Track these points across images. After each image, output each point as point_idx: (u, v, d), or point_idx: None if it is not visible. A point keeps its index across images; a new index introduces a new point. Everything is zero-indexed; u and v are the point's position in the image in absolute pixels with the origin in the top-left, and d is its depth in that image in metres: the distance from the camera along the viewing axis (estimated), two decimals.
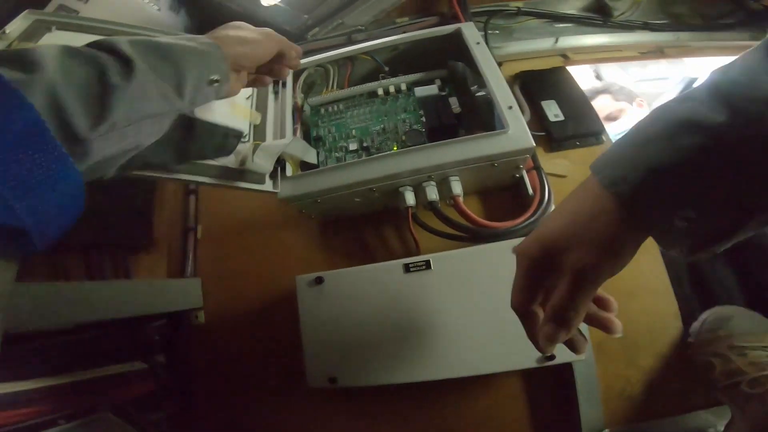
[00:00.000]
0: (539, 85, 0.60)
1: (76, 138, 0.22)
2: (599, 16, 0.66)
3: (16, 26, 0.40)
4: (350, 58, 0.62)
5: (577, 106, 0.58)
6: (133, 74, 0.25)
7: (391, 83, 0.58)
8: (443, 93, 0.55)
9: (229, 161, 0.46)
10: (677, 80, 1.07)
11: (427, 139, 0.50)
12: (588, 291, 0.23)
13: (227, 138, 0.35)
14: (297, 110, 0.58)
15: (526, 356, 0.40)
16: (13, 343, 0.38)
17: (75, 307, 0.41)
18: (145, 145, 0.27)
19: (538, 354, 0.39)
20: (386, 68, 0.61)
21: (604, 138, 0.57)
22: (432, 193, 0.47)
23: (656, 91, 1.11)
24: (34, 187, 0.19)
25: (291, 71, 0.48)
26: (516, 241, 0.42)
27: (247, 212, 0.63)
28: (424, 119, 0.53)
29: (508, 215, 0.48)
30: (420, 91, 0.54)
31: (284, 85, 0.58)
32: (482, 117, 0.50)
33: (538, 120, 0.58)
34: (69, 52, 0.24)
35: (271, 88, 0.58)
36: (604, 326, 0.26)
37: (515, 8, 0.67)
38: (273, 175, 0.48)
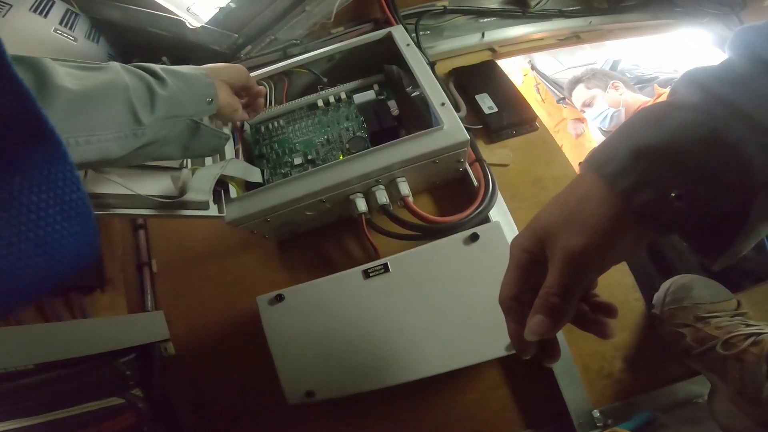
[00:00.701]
0: (471, 79, 0.63)
1: (139, 122, 0.32)
2: (518, 7, 0.70)
3: None
4: (286, 73, 0.61)
5: (509, 96, 0.61)
6: (167, 87, 0.35)
7: (330, 93, 0.58)
8: (381, 97, 0.56)
9: (169, 190, 0.44)
10: (602, 63, 1.16)
11: (371, 144, 0.51)
12: (577, 277, 0.22)
13: (220, 140, 0.42)
14: (237, 130, 0.57)
15: (494, 346, 0.41)
16: None
17: (31, 348, 0.40)
18: (171, 138, 0.37)
19: (506, 341, 0.41)
20: (325, 79, 0.61)
21: (537, 125, 0.61)
22: (382, 196, 0.48)
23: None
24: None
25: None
26: (467, 233, 0.44)
27: (200, 241, 0.61)
28: (365, 125, 0.53)
29: (458, 208, 0.50)
30: (359, 98, 0.55)
31: None
32: (420, 116, 0.51)
33: (474, 113, 0.60)
34: (125, 68, 0.33)
35: None
36: (601, 331, 0.25)
37: (441, 7, 0.70)
38: (217, 200, 0.47)
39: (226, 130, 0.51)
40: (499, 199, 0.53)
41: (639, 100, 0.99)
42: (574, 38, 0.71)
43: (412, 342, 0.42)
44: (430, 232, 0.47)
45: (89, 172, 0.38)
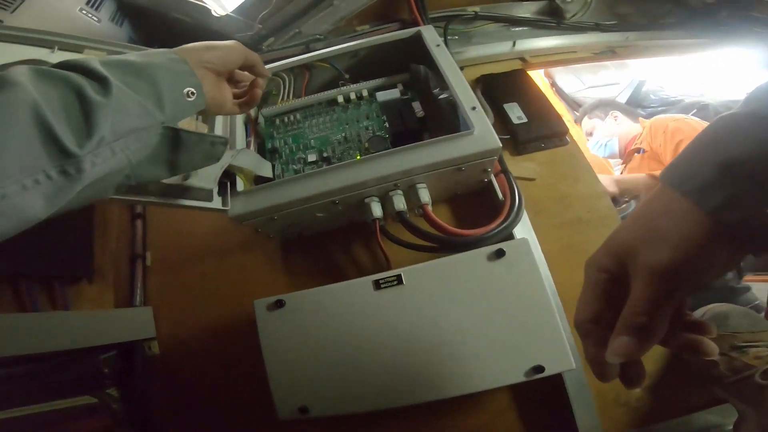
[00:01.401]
0: (500, 88, 0.60)
1: (67, 153, 0.22)
2: (552, 18, 0.68)
3: None
4: (307, 66, 0.59)
5: (540, 107, 0.57)
6: (110, 91, 0.25)
7: (351, 90, 0.55)
8: (406, 97, 0.53)
9: (172, 176, 0.41)
10: (626, 84, 1.14)
11: (391, 145, 0.48)
12: (665, 294, 0.20)
13: (214, 145, 0.34)
14: (250, 122, 0.54)
15: (513, 370, 0.37)
16: None
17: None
18: (135, 162, 0.27)
19: (526, 367, 0.37)
20: (346, 75, 0.59)
21: (568, 139, 0.57)
22: (399, 202, 0.44)
23: (609, 95, 1.17)
24: None
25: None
26: (492, 248, 0.40)
27: (200, 236, 0.57)
28: (387, 125, 0.50)
29: (478, 222, 0.46)
30: (382, 96, 0.52)
31: None
32: (446, 120, 0.48)
33: (501, 123, 0.57)
34: (38, 73, 0.23)
35: None
36: (696, 349, 0.23)
37: (472, 12, 0.67)
38: (223, 192, 0.43)
39: (219, 127, 0.46)
40: (523, 216, 0.49)
41: (631, 131, 1.02)
42: (609, 53, 0.68)
43: (422, 361, 0.38)
44: (449, 245, 0.43)
45: None
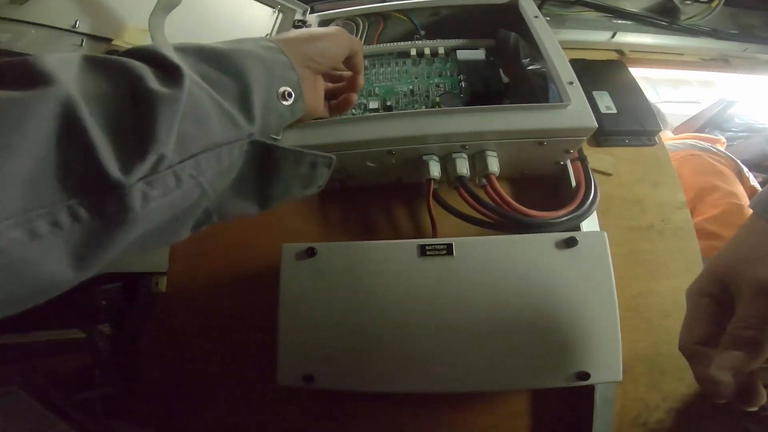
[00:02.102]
0: (592, 75, 0.54)
1: (105, 181, 0.15)
2: (665, 17, 0.60)
3: None
4: (383, 15, 0.55)
5: (633, 101, 0.51)
6: (181, 84, 0.17)
7: (426, 45, 0.51)
8: (490, 60, 0.48)
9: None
10: (709, 104, 1.01)
11: (466, 105, 0.43)
12: None
13: (316, 167, 0.26)
14: None
15: (558, 373, 0.32)
16: None
17: None
18: (213, 193, 0.20)
19: (570, 372, 0.32)
20: (422, 32, 0.55)
21: (657, 140, 0.51)
22: (462, 166, 0.39)
23: (685, 113, 1.05)
24: None
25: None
26: (562, 235, 0.34)
27: None
28: (463, 84, 0.45)
29: (541, 208, 0.40)
30: (463, 54, 0.47)
31: None
32: (533, 92, 0.42)
33: None
34: (90, 62, 0.17)
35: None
36: None
37: None
38: None
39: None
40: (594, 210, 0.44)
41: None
42: (722, 62, 0.60)
43: (457, 347, 0.34)
44: (510, 222, 0.38)
45: None
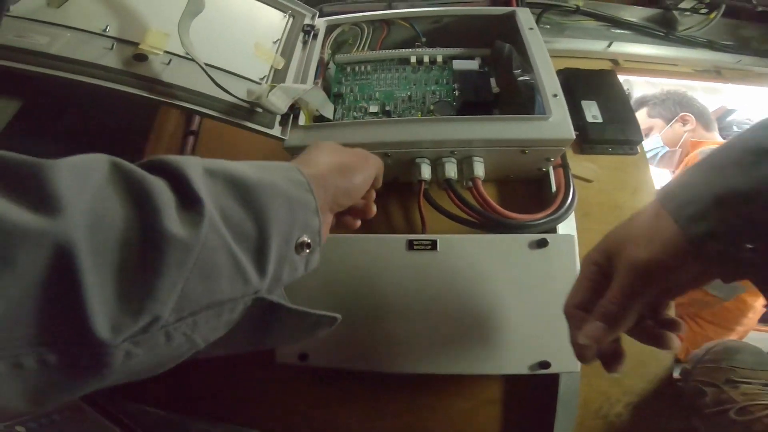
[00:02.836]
0: (583, 84, 0.56)
1: (88, 340, 0.13)
2: (662, 27, 0.62)
3: None
4: (387, 22, 0.58)
5: (619, 111, 0.54)
6: (199, 229, 0.15)
7: (426, 53, 0.54)
8: (483, 70, 0.51)
9: (242, 95, 0.42)
10: (711, 110, 1.01)
11: (457, 114, 0.47)
12: (635, 287, 0.23)
13: (318, 326, 0.24)
14: (322, 65, 0.55)
15: (520, 362, 0.37)
16: None
17: None
18: (203, 344, 0.18)
19: (533, 361, 0.37)
20: (424, 39, 0.58)
21: (638, 149, 0.53)
22: (451, 170, 0.43)
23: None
24: None
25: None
26: (535, 237, 0.38)
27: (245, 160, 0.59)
28: (457, 93, 0.49)
29: (522, 210, 0.44)
30: (458, 64, 0.51)
31: (315, 36, 0.55)
32: (520, 102, 0.46)
33: (573, 118, 0.53)
34: (115, 172, 0.15)
35: (301, 36, 0.55)
36: (660, 342, 0.25)
37: (574, 6, 0.63)
38: (283, 122, 0.44)
39: (295, 63, 0.44)
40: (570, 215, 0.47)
41: (708, 141, 0.81)
42: (714, 73, 0.62)
43: (436, 333, 0.38)
44: (490, 223, 0.42)
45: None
